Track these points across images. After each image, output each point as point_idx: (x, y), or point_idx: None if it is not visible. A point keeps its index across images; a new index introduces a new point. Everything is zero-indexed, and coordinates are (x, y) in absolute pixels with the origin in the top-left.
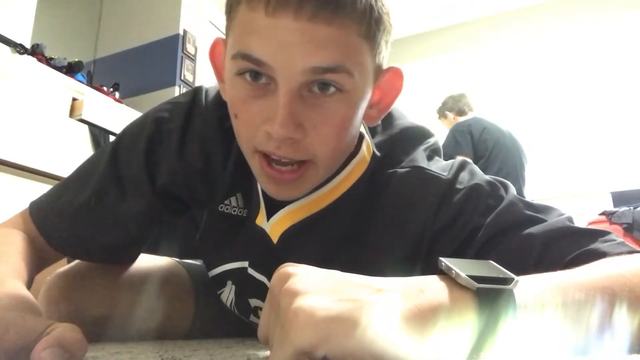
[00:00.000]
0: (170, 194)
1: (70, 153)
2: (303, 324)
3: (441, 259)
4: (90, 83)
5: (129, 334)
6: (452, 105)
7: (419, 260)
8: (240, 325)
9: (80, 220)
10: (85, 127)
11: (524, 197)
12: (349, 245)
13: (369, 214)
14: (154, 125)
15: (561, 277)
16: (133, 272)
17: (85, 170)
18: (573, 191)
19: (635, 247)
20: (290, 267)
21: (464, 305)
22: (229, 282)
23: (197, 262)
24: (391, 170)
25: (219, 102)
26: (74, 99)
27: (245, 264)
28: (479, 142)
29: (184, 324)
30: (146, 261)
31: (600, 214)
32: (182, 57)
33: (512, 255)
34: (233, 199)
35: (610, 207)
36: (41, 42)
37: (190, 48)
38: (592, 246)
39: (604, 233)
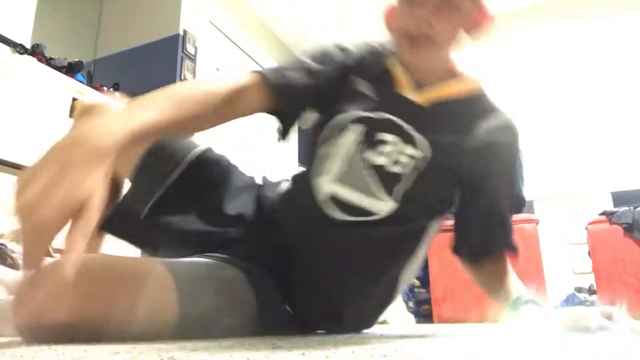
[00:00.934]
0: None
1: None
2: None
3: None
4: (90, 83)
5: (106, 337)
6: None
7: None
8: (234, 326)
9: (294, 73)
10: None
11: (524, 197)
12: (459, 136)
13: (476, 125)
14: (357, 48)
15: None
16: (106, 274)
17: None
18: (573, 191)
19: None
20: None
21: None
22: (357, 125)
23: (184, 260)
24: (493, 109)
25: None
26: (74, 99)
27: (382, 113)
28: None
29: (167, 327)
30: (121, 262)
31: (600, 214)
32: (182, 57)
33: (485, 212)
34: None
35: (610, 207)
36: (41, 42)
37: (190, 48)
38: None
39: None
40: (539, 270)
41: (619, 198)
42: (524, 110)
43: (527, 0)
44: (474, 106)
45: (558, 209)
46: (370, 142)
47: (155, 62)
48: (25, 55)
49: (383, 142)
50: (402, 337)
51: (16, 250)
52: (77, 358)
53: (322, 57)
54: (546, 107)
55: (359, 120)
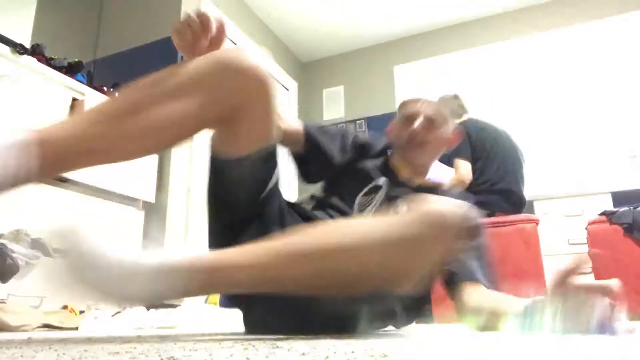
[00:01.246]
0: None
1: None
2: None
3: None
4: (90, 83)
5: None
6: None
7: None
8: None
9: (327, 137)
10: None
11: (524, 197)
12: None
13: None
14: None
15: None
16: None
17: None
18: (573, 191)
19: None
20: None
21: None
22: (382, 187)
23: None
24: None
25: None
26: (74, 99)
27: (391, 182)
28: (477, 144)
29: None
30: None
31: (600, 214)
32: (182, 58)
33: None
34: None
35: (610, 207)
36: (41, 42)
37: None
38: None
39: None
40: (539, 270)
41: (619, 198)
42: (523, 110)
43: (526, 1)
44: (451, 194)
45: (558, 209)
46: (391, 198)
47: (156, 62)
48: (25, 55)
49: (398, 198)
50: (402, 337)
51: (16, 250)
52: (77, 358)
53: (347, 137)
54: (546, 107)
55: (383, 184)
